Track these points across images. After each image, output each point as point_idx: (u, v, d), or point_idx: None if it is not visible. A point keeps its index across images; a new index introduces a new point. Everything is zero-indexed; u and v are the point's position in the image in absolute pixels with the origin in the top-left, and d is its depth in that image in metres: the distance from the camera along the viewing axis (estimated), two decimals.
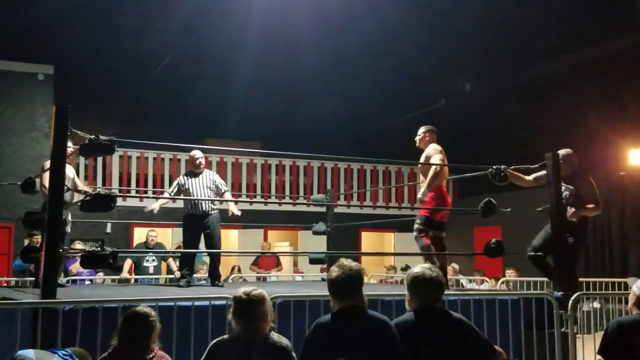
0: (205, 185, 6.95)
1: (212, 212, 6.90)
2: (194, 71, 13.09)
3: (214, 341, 3.33)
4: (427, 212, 6.15)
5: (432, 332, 3.15)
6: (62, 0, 10.13)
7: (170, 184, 12.19)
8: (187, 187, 6.94)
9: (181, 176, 7.23)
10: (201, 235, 6.94)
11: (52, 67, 11.94)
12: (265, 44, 11.90)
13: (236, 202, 7.90)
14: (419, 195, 6.30)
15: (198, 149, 7.17)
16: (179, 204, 12.15)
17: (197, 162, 7.02)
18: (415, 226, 6.19)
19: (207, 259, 9.96)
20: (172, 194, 7.12)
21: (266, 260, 11.52)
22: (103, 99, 13.24)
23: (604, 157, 10.70)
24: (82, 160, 11.04)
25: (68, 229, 6.58)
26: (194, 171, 7.07)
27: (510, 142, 11.63)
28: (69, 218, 6.63)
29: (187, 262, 6.96)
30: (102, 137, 4.70)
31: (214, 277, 6.94)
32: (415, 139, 6.39)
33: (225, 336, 3.33)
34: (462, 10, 11.17)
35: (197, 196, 6.83)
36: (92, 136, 4.71)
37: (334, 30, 11.55)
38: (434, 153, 6.16)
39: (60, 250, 4.64)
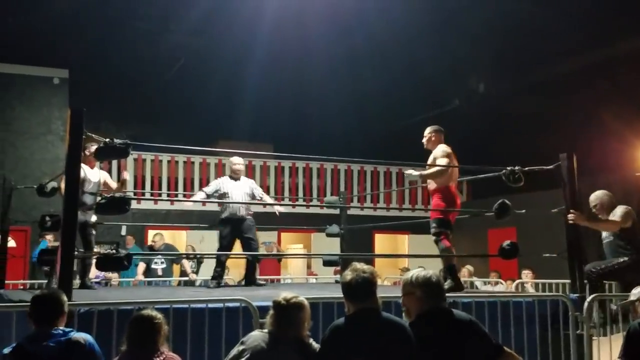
0: (244, 191, 7.18)
1: (248, 217, 7.14)
2: (206, 73, 13.14)
3: (250, 333, 3.40)
4: (439, 213, 6.12)
5: (438, 334, 3.15)
6: (76, 4, 10.21)
7: (184, 187, 12.43)
8: (225, 191, 7.12)
9: (221, 179, 7.41)
10: (235, 239, 7.13)
11: (67, 70, 12.06)
12: (277, 45, 11.92)
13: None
14: (408, 171, 6.29)
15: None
16: (193, 206, 12.24)
17: (237, 168, 7.26)
18: (433, 230, 6.15)
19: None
20: (210, 193, 7.21)
21: (268, 266, 11.51)
22: (117, 101, 13.32)
23: (620, 157, 10.61)
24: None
25: (93, 230, 6.66)
26: (233, 176, 7.26)
27: (524, 143, 11.55)
28: (94, 219, 6.70)
29: (220, 264, 7.15)
30: (117, 140, 4.74)
31: (252, 279, 7.11)
32: (423, 140, 6.37)
33: (264, 330, 3.38)
34: (475, 11, 11.10)
35: (235, 201, 7.04)
36: (107, 139, 4.75)
37: (346, 32, 11.53)
38: (440, 155, 6.08)
39: (76, 252, 4.67)
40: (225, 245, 7.06)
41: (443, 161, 6.04)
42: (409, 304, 3.25)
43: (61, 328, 3.38)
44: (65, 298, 3.55)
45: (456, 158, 6.27)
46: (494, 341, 3.31)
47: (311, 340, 3.33)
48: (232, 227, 7.05)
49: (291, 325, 3.28)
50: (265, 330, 3.35)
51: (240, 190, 7.14)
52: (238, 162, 7.29)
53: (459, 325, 3.22)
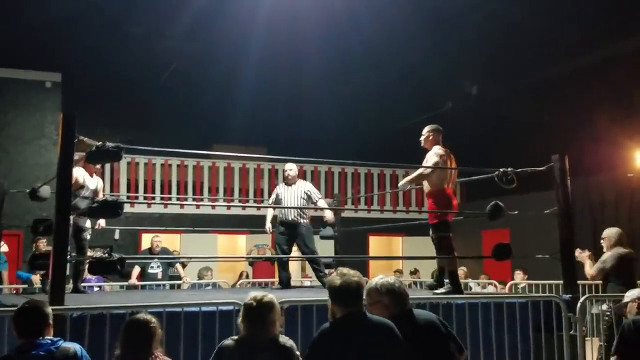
0: (298, 196, 7.32)
1: (301, 220, 7.26)
2: (200, 78, 13.13)
3: (221, 342, 3.35)
4: (435, 218, 6.10)
5: (408, 336, 3.18)
6: (68, 8, 10.18)
7: (178, 190, 12.42)
8: (280, 197, 7.34)
9: (278, 185, 7.64)
10: (292, 243, 7.33)
11: (60, 74, 12.02)
12: (270, 49, 11.92)
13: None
14: (399, 184, 6.45)
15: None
16: (187, 209, 12.24)
17: (285, 174, 7.49)
18: (432, 236, 6.11)
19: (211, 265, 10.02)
20: (271, 203, 7.60)
21: (261, 269, 11.47)
22: (111, 105, 13.29)
23: (612, 158, 10.65)
24: None
25: (87, 235, 6.64)
26: (286, 182, 7.43)
27: (517, 145, 11.60)
28: (88, 225, 6.68)
29: (282, 265, 7.39)
30: (109, 144, 4.73)
31: (323, 281, 7.14)
32: (420, 139, 6.37)
33: (234, 337, 3.34)
34: (469, 14, 11.13)
35: (287, 205, 7.23)
36: (99, 143, 4.75)
37: (339, 35, 11.54)
38: (431, 156, 6.09)
39: (69, 256, 4.67)
40: (279, 249, 7.29)
41: (431, 162, 6.03)
42: (376, 312, 3.27)
43: (49, 337, 3.34)
44: (49, 309, 3.48)
45: (454, 160, 6.24)
46: (458, 341, 3.40)
47: (280, 336, 3.31)
48: (285, 231, 7.24)
49: (264, 325, 3.25)
50: (235, 338, 3.30)
51: (291, 195, 7.31)
52: (289, 168, 7.48)
53: (427, 325, 3.31)
